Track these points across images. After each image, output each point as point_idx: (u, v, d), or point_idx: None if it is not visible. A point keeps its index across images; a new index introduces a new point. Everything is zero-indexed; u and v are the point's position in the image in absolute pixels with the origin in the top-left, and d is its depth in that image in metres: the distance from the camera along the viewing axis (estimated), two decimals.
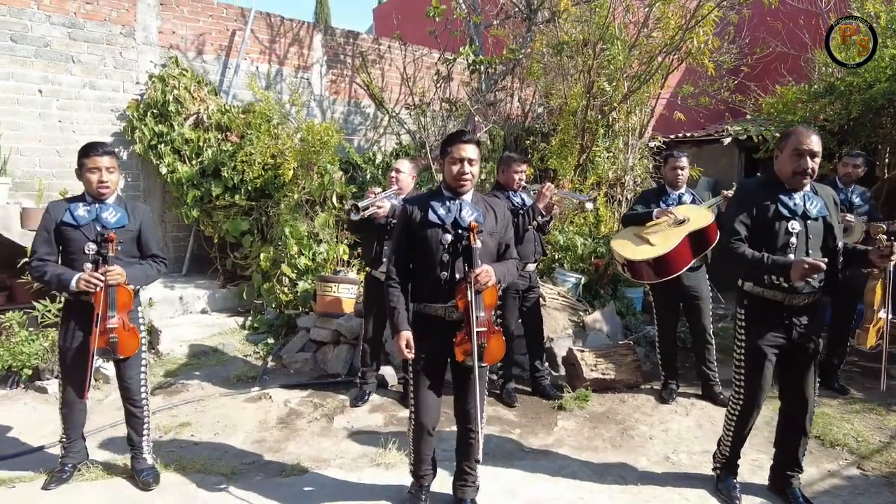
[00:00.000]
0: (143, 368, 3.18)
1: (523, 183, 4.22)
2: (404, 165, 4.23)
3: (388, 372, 4.60)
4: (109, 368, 4.36)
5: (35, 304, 4.87)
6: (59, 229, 2.97)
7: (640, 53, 6.34)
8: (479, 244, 2.55)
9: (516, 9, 7.30)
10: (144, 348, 3.21)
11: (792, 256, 2.70)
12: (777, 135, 6.76)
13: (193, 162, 6.18)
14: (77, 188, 5.97)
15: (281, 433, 3.85)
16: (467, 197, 2.68)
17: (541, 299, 4.73)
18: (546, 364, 4.56)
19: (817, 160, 2.70)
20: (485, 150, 6.71)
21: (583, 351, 4.59)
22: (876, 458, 3.50)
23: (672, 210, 4.10)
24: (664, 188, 4.37)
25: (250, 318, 5.76)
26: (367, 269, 4.31)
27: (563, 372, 4.73)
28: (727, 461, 3.09)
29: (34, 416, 4.08)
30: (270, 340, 5.33)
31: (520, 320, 4.38)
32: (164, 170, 6.10)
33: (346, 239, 5.96)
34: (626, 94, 6.27)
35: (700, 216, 4.02)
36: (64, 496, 3.03)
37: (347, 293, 5.09)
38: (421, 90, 7.13)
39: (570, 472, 3.32)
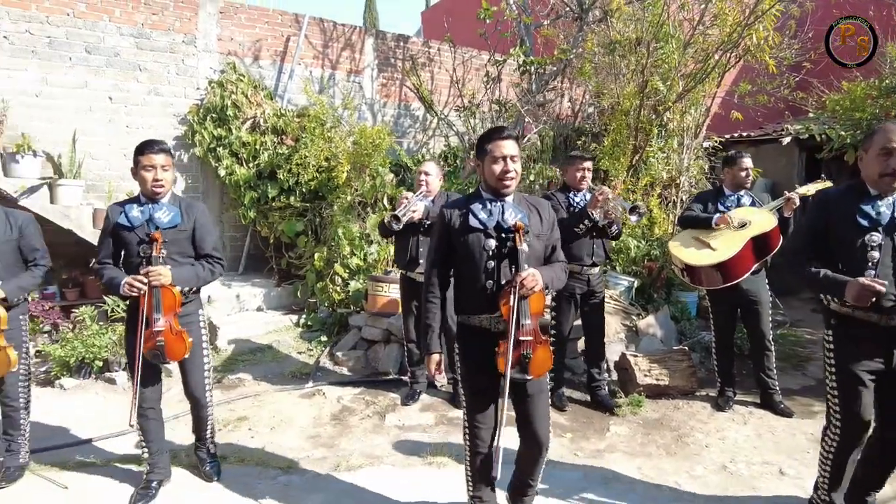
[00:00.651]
0: (206, 370, 3.12)
1: (588, 182, 4.09)
2: (433, 168, 4.28)
3: None
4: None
5: (106, 298, 5.15)
6: (115, 232, 2.94)
7: (696, 51, 6.18)
8: (525, 246, 2.35)
9: (567, 8, 7.23)
10: (206, 349, 3.14)
11: (872, 273, 2.41)
12: (842, 133, 6.47)
13: (250, 164, 6.39)
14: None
15: (334, 429, 3.94)
16: (509, 198, 2.46)
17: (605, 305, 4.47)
18: (605, 374, 4.41)
19: None
20: (534, 150, 6.68)
21: (636, 356, 4.51)
22: None
23: (730, 215, 3.97)
24: (721, 189, 4.24)
25: (304, 316, 5.92)
26: (403, 270, 4.34)
27: (615, 377, 4.66)
28: None
29: (103, 406, 4.33)
30: (323, 338, 5.46)
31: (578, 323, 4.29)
32: (222, 172, 6.34)
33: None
34: (681, 94, 6.12)
35: (762, 220, 3.88)
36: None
37: (398, 293, 5.15)
38: (471, 92, 7.16)
39: (624, 477, 3.28)
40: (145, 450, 3.06)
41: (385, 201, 6.16)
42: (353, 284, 5.71)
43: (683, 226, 4.24)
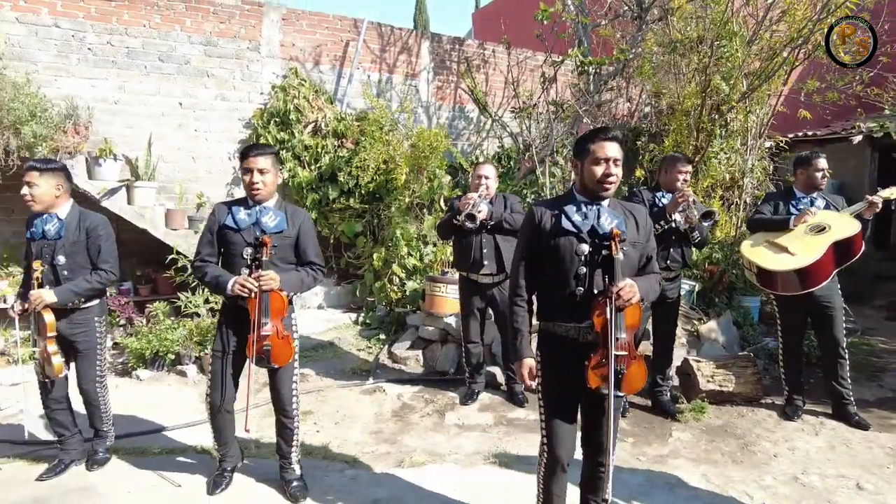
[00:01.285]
0: (294, 379, 3.07)
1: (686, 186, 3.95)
2: (491, 171, 4.29)
3: (495, 372, 4.68)
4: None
5: (178, 294, 5.41)
6: (221, 231, 2.95)
7: (761, 49, 5.98)
8: (621, 255, 2.23)
9: (625, 8, 7.13)
10: (296, 359, 3.08)
11: None
12: None
13: (312, 167, 6.58)
14: (209, 191, 6.50)
15: (396, 426, 4.03)
16: (605, 202, 2.35)
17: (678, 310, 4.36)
18: (669, 380, 4.32)
19: None
20: None
21: (699, 361, 4.42)
22: None
23: (812, 210, 3.81)
24: (792, 191, 4.10)
25: (363, 314, 6.07)
26: (464, 273, 4.34)
27: (676, 382, 4.58)
28: None
29: (175, 396, 4.56)
30: (382, 336, 5.59)
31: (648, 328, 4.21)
32: (285, 174, 6.55)
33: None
34: (746, 92, 5.95)
35: (842, 224, 3.72)
36: (228, 499, 3.10)
37: (455, 294, 5.21)
38: (527, 93, 7.15)
39: (689, 484, 3.23)
40: (216, 444, 3.14)
41: (442, 202, 6.23)
42: (410, 284, 5.81)
43: (753, 228, 4.10)
